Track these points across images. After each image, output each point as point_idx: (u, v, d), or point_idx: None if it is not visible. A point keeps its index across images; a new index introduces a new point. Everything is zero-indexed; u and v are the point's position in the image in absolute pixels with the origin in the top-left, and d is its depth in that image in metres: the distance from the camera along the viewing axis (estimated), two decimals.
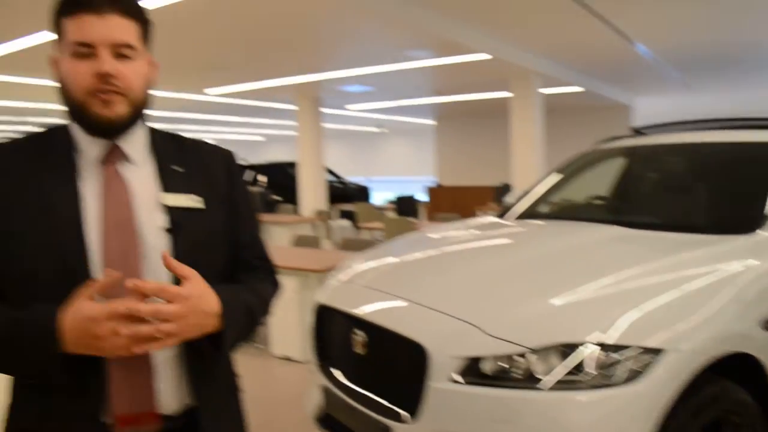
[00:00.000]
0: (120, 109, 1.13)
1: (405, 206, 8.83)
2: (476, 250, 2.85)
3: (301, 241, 5.98)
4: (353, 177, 18.77)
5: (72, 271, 1.08)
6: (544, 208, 3.53)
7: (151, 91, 1.21)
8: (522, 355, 1.86)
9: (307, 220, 9.99)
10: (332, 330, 2.50)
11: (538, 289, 2.14)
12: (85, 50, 1.10)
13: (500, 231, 3.17)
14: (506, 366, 1.87)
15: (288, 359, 4.77)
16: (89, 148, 1.17)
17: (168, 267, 1.09)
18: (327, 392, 2.45)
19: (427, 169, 21.30)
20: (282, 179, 14.57)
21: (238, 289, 1.24)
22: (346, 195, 15.09)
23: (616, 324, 1.87)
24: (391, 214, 10.99)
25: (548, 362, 1.84)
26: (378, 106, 14.14)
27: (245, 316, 1.22)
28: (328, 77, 9.41)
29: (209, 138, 27.43)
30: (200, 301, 1.10)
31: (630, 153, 3.61)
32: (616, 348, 1.82)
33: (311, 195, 11.58)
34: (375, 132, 23.87)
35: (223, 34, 6.81)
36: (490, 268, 2.44)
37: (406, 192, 11.74)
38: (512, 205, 3.57)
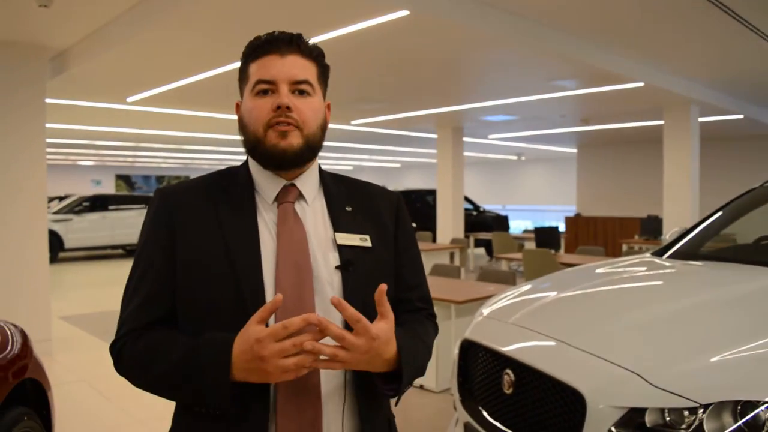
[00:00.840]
0: (294, 140, 1.18)
1: (545, 237, 8.57)
2: (635, 292, 2.68)
3: (440, 270, 5.98)
4: (489, 205, 18.58)
5: (246, 303, 1.11)
6: (707, 248, 3.27)
7: (325, 132, 1.26)
8: (691, 410, 1.72)
9: (445, 248, 9.98)
10: (478, 367, 2.46)
11: (709, 339, 1.98)
12: (266, 87, 1.18)
13: (660, 272, 2.96)
14: (671, 420, 1.74)
15: (421, 387, 4.77)
16: (267, 186, 1.24)
17: (381, 305, 1.11)
18: (469, 429, 2.41)
19: (564, 198, 20.61)
20: (420, 207, 14.73)
21: (416, 341, 1.24)
22: (481, 223, 14.97)
23: None
24: (529, 245, 10.72)
25: (721, 420, 1.68)
26: (520, 134, 13.96)
27: (417, 370, 1.22)
28: (472, 107, 9.43)
29: (348, 164, 28.38)
30: (385, 346, 1.11)
31: None
32: None
33: (449, 223, 11.59)
34: (512, 159, 23.52)
35: (373, 71, 7.06)
36: (652, 313, 2.28)
37: (542, 221, 11.41)
38: (671, 242, 3.34)
